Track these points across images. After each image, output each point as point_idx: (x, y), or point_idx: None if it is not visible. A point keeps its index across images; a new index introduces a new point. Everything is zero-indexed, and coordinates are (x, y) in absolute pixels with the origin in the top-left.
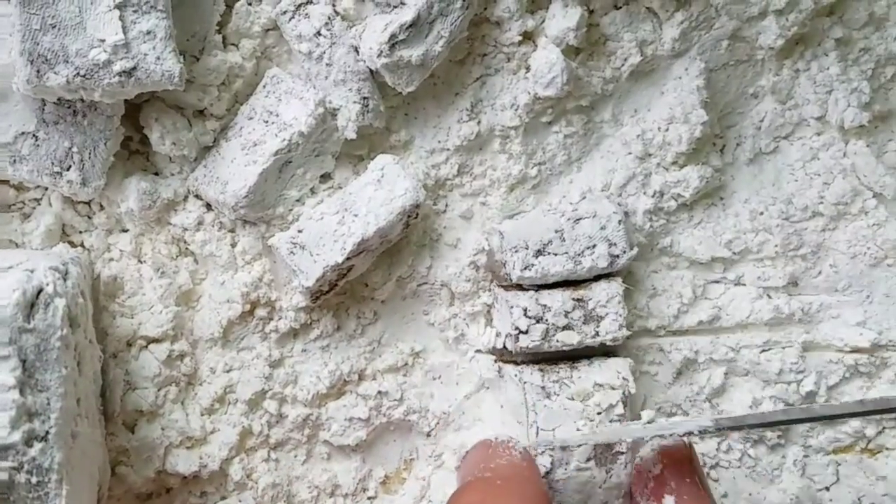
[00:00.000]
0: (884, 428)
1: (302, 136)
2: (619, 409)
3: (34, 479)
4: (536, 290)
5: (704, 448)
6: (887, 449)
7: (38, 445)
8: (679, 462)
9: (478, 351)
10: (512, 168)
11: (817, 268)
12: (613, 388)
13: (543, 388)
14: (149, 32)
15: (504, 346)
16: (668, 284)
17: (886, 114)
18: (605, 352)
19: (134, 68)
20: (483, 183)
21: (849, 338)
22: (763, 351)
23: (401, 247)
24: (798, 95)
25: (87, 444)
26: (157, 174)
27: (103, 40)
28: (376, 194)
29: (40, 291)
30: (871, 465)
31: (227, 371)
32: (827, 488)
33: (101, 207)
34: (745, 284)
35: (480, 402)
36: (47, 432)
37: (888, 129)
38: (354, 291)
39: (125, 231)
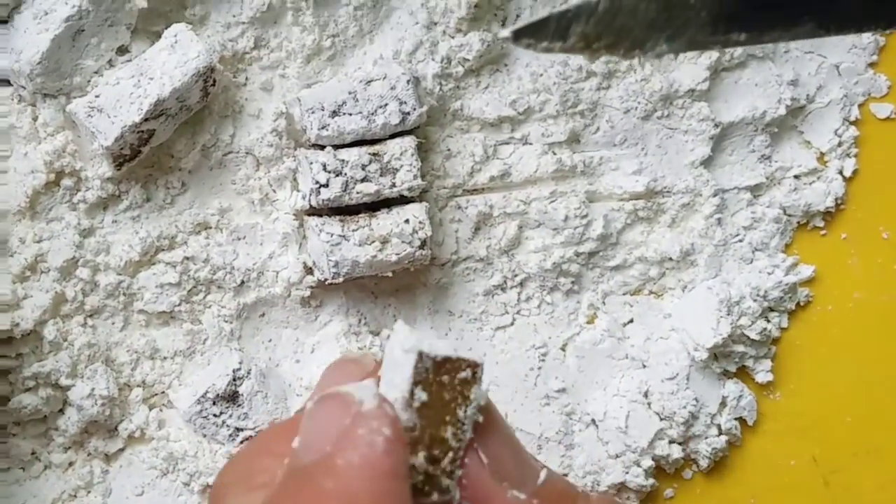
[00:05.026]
0: (665, 270)
1: (92, 2)
2: (418, 251)
3: None
4: (335, 149)
5: (506, 298)
6: (670, 289)
7: None
8: None
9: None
10: (306, 39)
11: (595, 124)
12: (411, 231)
13: (343, 235)
14: None
15: (309, 205)
16: (462, 146)
17: None
18: (404, 203)
19: None
20: (280, 55)
21: (627, 185)
22: (551, 202)
23: (203, 117)
24: None
25: None
26: None
27: None
28: (170, 58)
29: None
30: (658, 305)
31: (38, 241)
32: (624, 325)
33: None
34: (531, 143)
35: (279, 260)
36: None
37: None
38: (161, 162)
39: None
